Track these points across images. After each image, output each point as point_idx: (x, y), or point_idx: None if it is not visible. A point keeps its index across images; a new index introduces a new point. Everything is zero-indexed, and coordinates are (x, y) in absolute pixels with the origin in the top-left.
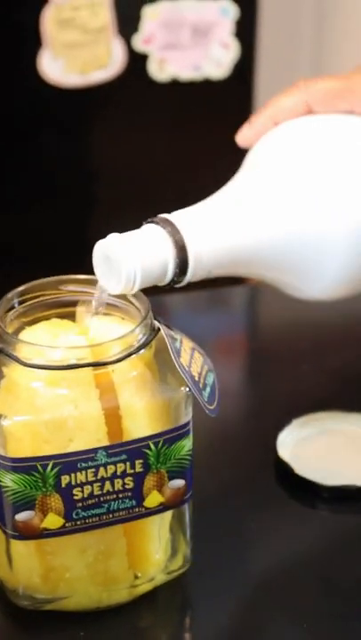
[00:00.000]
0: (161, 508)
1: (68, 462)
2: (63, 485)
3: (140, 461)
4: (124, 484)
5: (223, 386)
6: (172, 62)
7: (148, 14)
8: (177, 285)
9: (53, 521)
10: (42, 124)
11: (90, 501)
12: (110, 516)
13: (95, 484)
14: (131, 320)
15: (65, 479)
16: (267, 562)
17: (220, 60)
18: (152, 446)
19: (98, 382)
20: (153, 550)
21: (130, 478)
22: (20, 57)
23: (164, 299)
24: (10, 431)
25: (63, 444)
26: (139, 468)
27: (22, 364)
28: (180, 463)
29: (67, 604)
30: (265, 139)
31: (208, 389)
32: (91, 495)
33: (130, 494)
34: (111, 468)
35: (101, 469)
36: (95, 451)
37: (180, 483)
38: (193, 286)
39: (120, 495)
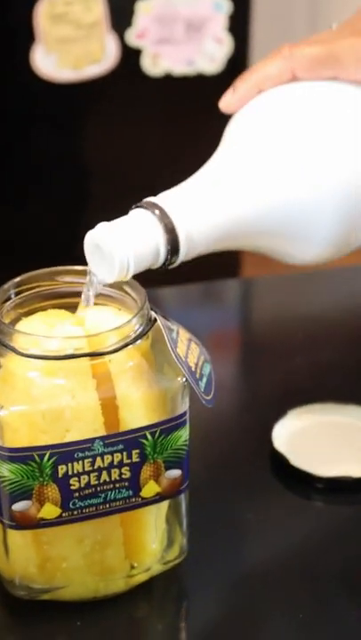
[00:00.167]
0: (157, 498)
1: (65, 452)
2: (60, 475)
3: (137, 451)
4: (120, 473)
5: (218, 379)
6: (166, 57)
7: (142, 9)
8: (170, 266)
9: (50, 511)
10: (35, 119)
11: (87, 491)
12: (107, 505)
13: (92, 474)
14: (127, 311)
15: (62, 469)
16: (262, 552)
17: (214, 54)
18: (149, 436)
19: (95, 372)
20: (149, 540)
21: (127, 468)
22: (13, 52)
23: (157, 292)
24: (7, 421)
25: (60, 434)
26: (135, 458)
27: (19, 354)
28: (177, 453)
29: (63, 593)
30: (247, 108)
31: (205, 380)
32: (87, 485)
33: (126, 484)
34: (108, 458)
35: (98, 459)
36: (92, 441)
37: (176, 473)
38: (186, 280)
39: (117, 485)
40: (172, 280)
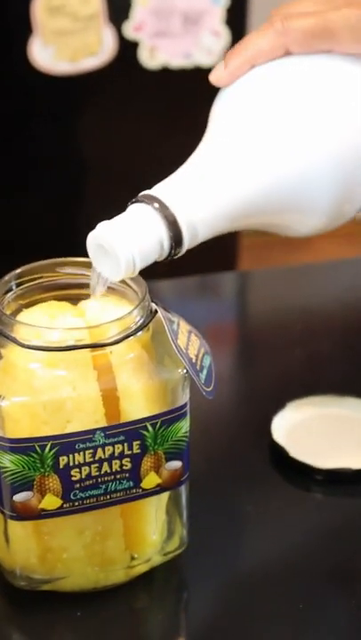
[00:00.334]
0: (158, 490)
1: (67, 443)
2: (61, 466)
3: (138, 443)
4: (121, 465)
5: (217, 371)
6: (163, 50)
7: (139, 2)
8: (176, 257)
9: (51, 502)
10: (32, 112)
11: (88, 482)
12: (108, 497)
13: (93, 465)
14: (128, 302)
15: (63, 460)
16: (262, 544)
17: (211, 47)
18: (149, 428)
19: (96, 364)
20: (150, 531)
21: (127, 459)
22: (11, 44)
23: (154, 285)
24: (8, 412)
25: (61, 425)
26: (136, 450)
27: (20, 345)
28: (178, 445)
29: (64, 584)
30: (240, 86)
31: (205, 371)
32: (88, 476)
33: (127, 475)
34: (109, 449)
35: (99, 450)
36: (93, 432)
37: (177, 464)
38: (183, 272)
39: (118, 476)
40: (169, 273)
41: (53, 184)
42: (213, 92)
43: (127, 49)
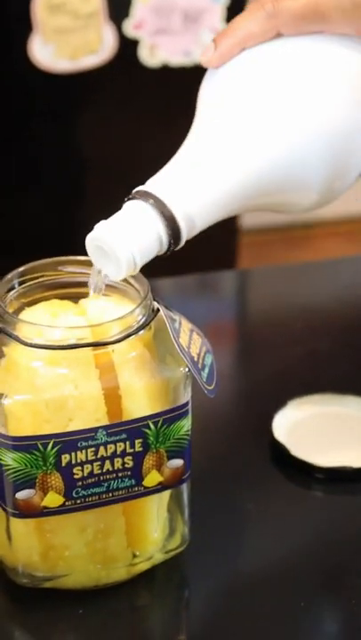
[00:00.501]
0: (160, 488)
1: (69, 441)
2: (63, 464)
3: (140, 441)
4: (123, 463)
5: (218, 369)
6: (163, 48)
7: (139, 0)
8: (176, 249)
9: (53, 499)
10: (32, 110)
11: (90, 480)
12: (110, 494)
13: (95, 463)
14: (130, 301)
15: (65, 458)
16: (262, 542)
17: None
18: (151, 426)
19: (98, 362)
20: (151, 529)
21: (129, 457)
22: (11, 42)
23: (154, 283)
24: (10, 410)
25: (63, 423)
26: (138, 448)
27: (23, 343)
28: (179, 443)
29: (66, 582)
30: (228, 71)
31: (207, 370)
32: (91, 474)
33: (129, 473)
34: (111, 448)
35: (101, 448)
36: (95, 430)
37: (178, 462)
38: (182, 271)
39: (119, 474)
40: (169, 271)
41: (53, 182)
42: None
43: (127, 47)
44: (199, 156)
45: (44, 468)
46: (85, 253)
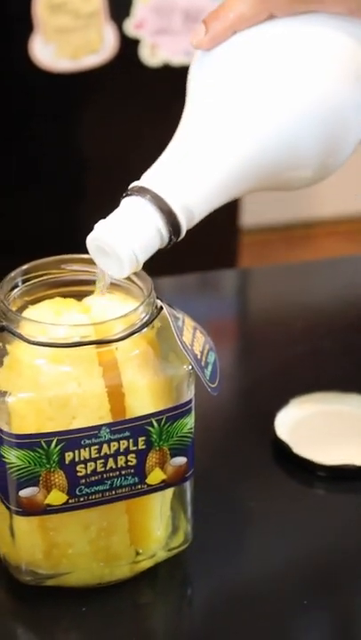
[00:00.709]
0: (163, 486)
1: (72, 439)
2: (67, 462)
3: (143, 439)
4: (126, 460)
5: (220, 367)
6: (164, 47)
7: None
8: (178, 240)
9: (57, 497)
10: (32, 110)
11: (93, 478)
12: (113, 492)
13: (98, 461)
14: (133, 299)
15: (69, 456)
16: (265, 539)
17: None
18: (155, 424)
19: (101, 360)
20: (154, 527)
21: (133, 455)
22: (11, 42)
23: (155, 282)
24: (14, 408)
25: (67, 420)
26: (141, 446)
27: (26, 341)
28: (182, 441)
29: (69, 579)
30: (220, 55)
31: (210, 368)
32: (94, 472)
33: (132, 471)
34: (114, 445)
35: (105, 446)
36: (99, 428)
37: (181, 460)
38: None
39: (123, 472)
40: (170, 270)
41: (54, 182)
42: None
43: (128, 46)
44: (192, 144)
45: (48, 466)
46: (86, 252)
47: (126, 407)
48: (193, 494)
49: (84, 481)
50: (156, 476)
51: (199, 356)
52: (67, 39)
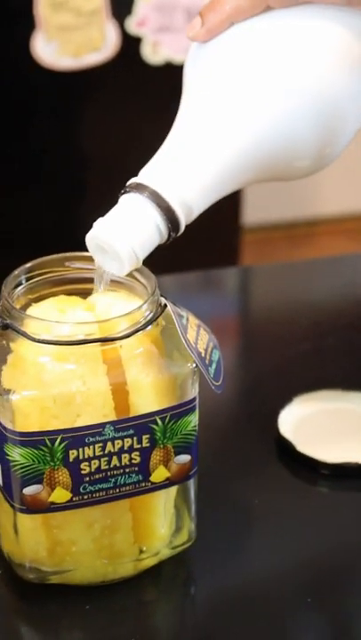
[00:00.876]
0: (167, 483)
1: (76, 437)
2: (71, 460)
3: (147, 436)
4: (130, 458)
5: (224, 365)
6: (166, 45)
7: None
8: (177, 236)
9: (61, 495)
10: (34, 107)
11: (97, 476)
12: (117, 490)
13: (102, 459)
14: (138, 297)
15: (73, 453)
16: (268, 537)
17: None
18: (159, 421)
19: (105, 358)
20: (158, 525)
21: (137, 453)
22: (14, 39)
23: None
24: (18, 406)
25: (71, 418)
26: (145, 443)
27: (30, 339)
28: (186, 439)
29: (72, 577)
30: (216, 47)
31: (214, 366)
32: (98, 470)
33: (136, 469)
34: (118, 443)
35: (109, 444)
36: (103, 425)
37: (185, 458)
38: (185, 268)
39: (127, 470)
40: (172, 268)
41: (55, 180)
42: None
43: (130, 44)
44: (188, 138)
45: (52, 464)
46: (87, 250)
47: (130, 405)
48: (197, 492)
49: (88, 479)
50: (160, 474)
51: (203, 354)
52: (69, 37)
